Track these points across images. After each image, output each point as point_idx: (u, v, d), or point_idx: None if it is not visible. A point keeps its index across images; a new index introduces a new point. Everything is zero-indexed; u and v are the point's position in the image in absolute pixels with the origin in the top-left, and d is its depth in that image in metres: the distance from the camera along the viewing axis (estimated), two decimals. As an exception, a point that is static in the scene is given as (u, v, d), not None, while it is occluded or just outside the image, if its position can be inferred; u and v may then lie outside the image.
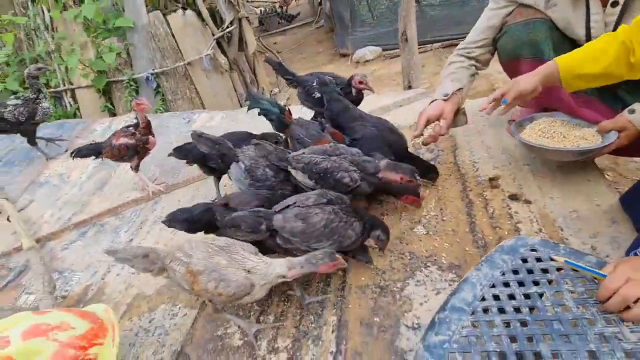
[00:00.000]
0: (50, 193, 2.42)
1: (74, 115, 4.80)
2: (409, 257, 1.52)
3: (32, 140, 2.61)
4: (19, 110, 2.29)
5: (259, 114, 1.85)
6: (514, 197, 1.67)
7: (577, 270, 0.81)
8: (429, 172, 1.79)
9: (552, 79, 1.47)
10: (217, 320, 1.43)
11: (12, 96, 2.39)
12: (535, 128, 1.70)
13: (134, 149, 2.04)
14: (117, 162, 2.14)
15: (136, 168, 2.16)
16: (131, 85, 4.90)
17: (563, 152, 1.58)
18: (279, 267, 1.17)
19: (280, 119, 1.81)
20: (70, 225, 2.08)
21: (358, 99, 2.07)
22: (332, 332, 1.30)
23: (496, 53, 1.93)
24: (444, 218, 1.66)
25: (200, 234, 1.45)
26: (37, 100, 2.30)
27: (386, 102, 2.54)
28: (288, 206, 1.36)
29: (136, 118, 2.06)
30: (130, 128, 2.06)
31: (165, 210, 2.07)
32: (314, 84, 2.07)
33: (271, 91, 5.32)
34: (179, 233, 1.89)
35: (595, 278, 0.78)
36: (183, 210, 1.42)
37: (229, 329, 1.39)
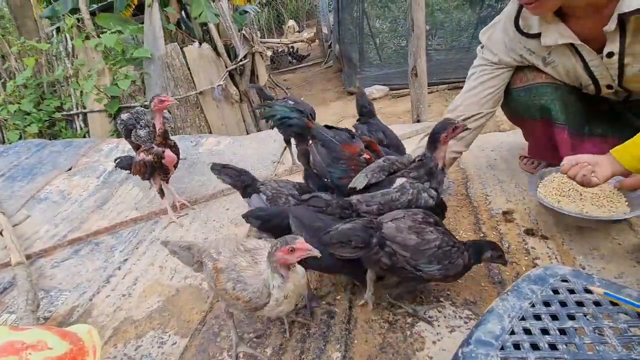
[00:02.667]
0: (48, 209, 2.36)
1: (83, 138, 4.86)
2: (419, 291, 1.42)
3: None
4: (122, 124, 2.36)
5: (273, 126, 1.70)
6: (530, 232, 1.59)
7: (616, 304, 0.72)
8: None
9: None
10: (209, 350, 1.30)
11: (133, 110, 2.47)
12: (549, 186, 1.57)
13: (151, 165, 1.89)
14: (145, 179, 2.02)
15: (160, 192, 2.01)
16: (142, 111, 5.00)
17: (589, 220, 1.43)
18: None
19: (301, 123, 1.65)
20: (64, 242, 1.99)
21: None
22: (335, 370, 1.17)
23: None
24: (456, 251, 1.57)
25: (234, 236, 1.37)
26: (134, 125, 2.32)
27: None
28: (397, 218, 1.19)
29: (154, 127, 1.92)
30: (149, 143, 1.96)
31: (165, 232, 2.00)
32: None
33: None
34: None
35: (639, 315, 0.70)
36: (260, 209, 1.41)
37: (222, 361, 1.26)
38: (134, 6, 6.36)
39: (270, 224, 1.35)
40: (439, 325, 1.27)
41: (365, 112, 1.92)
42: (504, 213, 1.71)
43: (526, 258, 1.47)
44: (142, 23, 5.20)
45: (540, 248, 1.51)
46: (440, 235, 1.17)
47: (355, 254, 1.16)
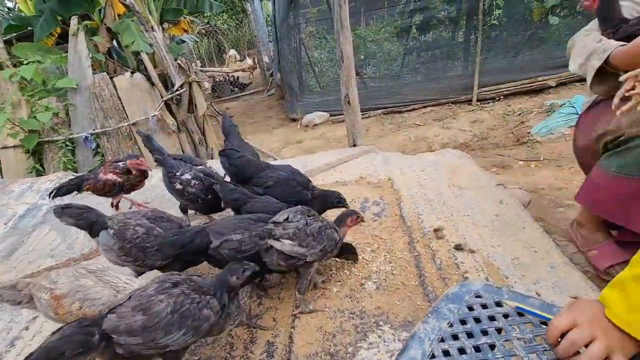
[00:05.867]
0: (-62, 265, 2.01)
1: (-6, 177, 4.31)
2: (359, 317, 1.41)
3: None
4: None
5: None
6: (458, 247, 1.68)
7: (523, 315, 0.77)
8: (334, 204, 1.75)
9: None
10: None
11: None
12: None
13: (120, 186, 2.03)
14: (99, 195, 2.11)
15: (116, 206, 2.13)
16: (67, 146, 4.60)
17: None
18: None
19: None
20: (-44, 303, 1.69)
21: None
22: (276, 414, 1.10)
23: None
24: (394, 272, 1.60)
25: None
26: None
27: (332, 159, 2.60)
28: (121, 304, 1.10)
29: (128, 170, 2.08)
30: (121, 164, 2.06)
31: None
32: (178, 174, 1.87)
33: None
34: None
35: (542, 323, 0.75)
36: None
37: None
38: (57, 35, 5.99)
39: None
40: (379, 352, 1.27)
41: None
42: (435, 230, 1.79)
43: (456, 273, 1.55)
44: (67, 52, 4.88)
45: (469, 262, 1.60)
46: (174, 298, 1.09)
47: None
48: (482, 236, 1.73)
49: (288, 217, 1.44)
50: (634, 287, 0.64)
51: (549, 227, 2.15)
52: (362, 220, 1.58)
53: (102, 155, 4.70)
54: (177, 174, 1.89)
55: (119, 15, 5.64)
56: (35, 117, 4.39)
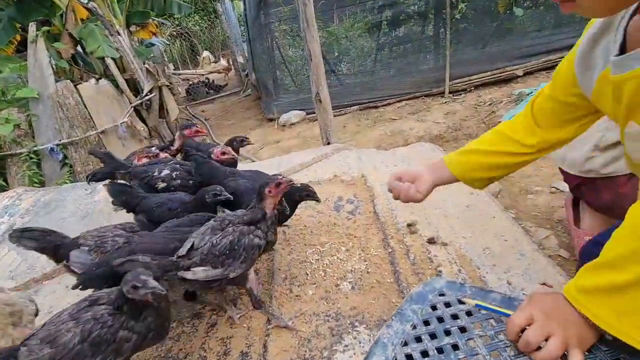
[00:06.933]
0: None
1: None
2: (335, 320, 1.39)
3: None
4: None
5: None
6: (431, 241, 1.68)
7: (485, 311, 0.76)
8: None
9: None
10: None
11: None
12: None
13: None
14: None
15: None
16: (31, 158, 4.40)
17: None
18: None
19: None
20: None
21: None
22: None
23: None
24: (369, 270, 1.59)
25: None
26: None
27: (306, 159, 2.57)
28: (33, 334, 1.04)
29: (171, 141, 2.11)
30: (154, 149, 2.03)
31: (48, 300, 1.70)
32: (155, 174, 1.78)
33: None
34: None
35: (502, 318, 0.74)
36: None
37: None
38: (16, 42, 5.71)
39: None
40: (354, 354, 1.25)
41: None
42: (408, 225, 1.79)
43: (430, 267, 1.55)
44: (27, 60, 4.66)
45: (442, 255, 1.60)
46: (82, 325, 1.01)
47: None
48: (454, 228, 1.74)
49: (193, 245, 1.28)
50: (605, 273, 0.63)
51: (520, 215, 2.19)
52: (291, 183, 1.36)
53: (71, 166, 4.52)
54: (155, 174, 1.80)
55: (81, 19, 5.42)
56: (-6, 130, 4.17)
